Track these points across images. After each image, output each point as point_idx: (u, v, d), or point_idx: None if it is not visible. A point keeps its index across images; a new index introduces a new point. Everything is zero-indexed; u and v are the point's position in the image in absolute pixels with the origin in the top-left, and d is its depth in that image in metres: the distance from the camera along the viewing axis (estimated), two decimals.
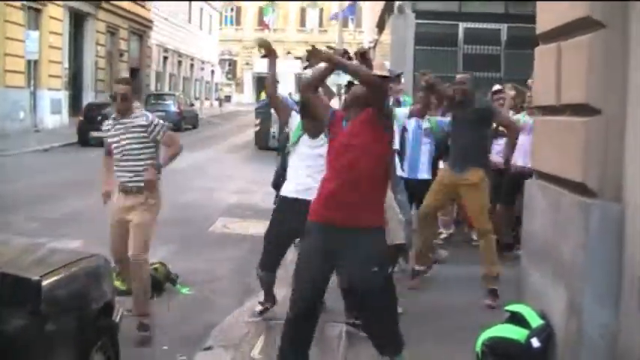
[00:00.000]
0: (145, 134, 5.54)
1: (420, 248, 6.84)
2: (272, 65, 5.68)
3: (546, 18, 4.96)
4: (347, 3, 35.74)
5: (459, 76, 6.84)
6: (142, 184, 5.48)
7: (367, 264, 4.15)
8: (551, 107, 4.80)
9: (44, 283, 3.18)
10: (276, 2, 60.99)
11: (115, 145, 5.61)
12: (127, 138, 5.56)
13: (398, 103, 7.28)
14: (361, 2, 39.29)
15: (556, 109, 4.69)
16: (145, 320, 5.47)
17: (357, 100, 4.34)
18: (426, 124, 7.65)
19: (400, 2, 16.85)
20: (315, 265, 4.24)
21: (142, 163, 5.53)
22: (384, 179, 4.38)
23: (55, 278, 3.46)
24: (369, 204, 4.24)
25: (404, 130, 7.22)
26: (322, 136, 5.22)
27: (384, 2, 22.18)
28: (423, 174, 7.60)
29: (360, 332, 5.01)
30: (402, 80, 8.49)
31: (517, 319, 4.86)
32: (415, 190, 7.08)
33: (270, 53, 5.59)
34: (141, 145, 5.55)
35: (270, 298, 5.96)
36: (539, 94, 5.24)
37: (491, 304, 6.21)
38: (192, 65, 50.26)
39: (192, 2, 48.88)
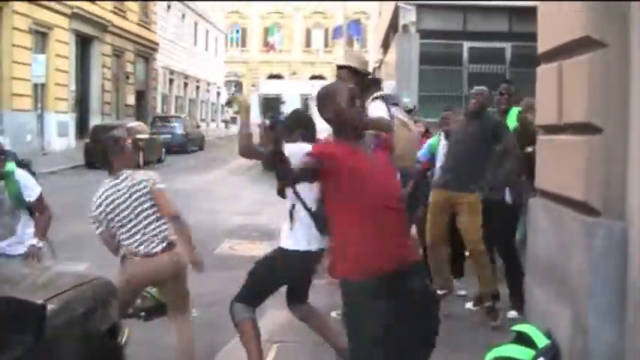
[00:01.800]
0: None
1: (434, 276, 6.53)
2: (245, 126, 4.49)
3: (547, 37, 4.98)
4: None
5: (476, 88, 6.66)
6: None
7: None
8: (553, 126, 4.81)
9: (49, 307, 3.19)
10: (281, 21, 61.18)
11: None
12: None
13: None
14: (365, 21, 39.67)
15: (558, 128, 4.70)
16: None
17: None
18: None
19: (404, 22, 16.95)
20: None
21: None
22: None
23: (59, 302, 3.47)
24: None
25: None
26: None
27: (388, 22, 22.24)
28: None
29: None
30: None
31: (523, 339, 4.82)
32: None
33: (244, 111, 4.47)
34: None
35: None
36: (541, 113, 5.25)
37: (495, 325, 6.15)
38: (198, 87, 50.44)
39: (198, 24, 49.20)
